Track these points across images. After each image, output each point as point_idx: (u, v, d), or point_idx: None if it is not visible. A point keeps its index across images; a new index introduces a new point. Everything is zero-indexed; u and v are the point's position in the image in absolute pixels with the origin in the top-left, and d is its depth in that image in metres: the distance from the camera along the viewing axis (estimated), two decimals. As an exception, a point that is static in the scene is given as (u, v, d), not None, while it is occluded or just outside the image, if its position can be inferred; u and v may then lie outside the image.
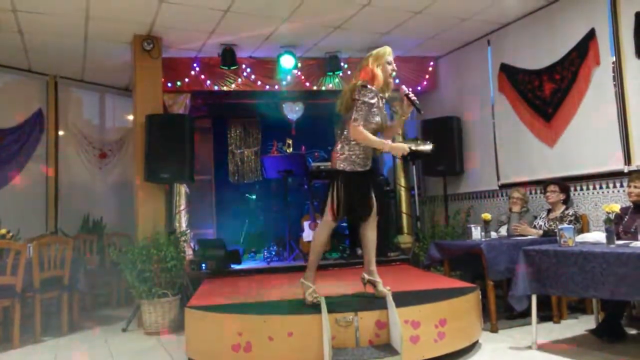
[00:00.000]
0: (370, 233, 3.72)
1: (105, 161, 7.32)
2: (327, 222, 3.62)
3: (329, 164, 6.66)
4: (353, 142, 3.58)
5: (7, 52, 5.90)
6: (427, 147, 3.54)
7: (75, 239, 6.08)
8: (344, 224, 6.45)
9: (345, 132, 3.65)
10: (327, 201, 3.60)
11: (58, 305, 5.07)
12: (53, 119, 6.75)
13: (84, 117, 7.25)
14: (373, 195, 3.71)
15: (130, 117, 6.95)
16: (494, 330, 4.23)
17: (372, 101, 3.54)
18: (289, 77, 6.41)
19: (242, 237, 7.33)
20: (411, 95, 3.62)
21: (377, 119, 3.58)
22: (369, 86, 3.54)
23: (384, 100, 3.69)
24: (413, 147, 3.52)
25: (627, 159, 4.50)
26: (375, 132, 3.57)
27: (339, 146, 3.62)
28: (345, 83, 6.41)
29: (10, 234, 5.16)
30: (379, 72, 3.59)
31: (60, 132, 6.86)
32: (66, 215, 6.71)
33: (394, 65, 3.68)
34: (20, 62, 6.26)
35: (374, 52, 3.69)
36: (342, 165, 3.58)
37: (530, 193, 5.50)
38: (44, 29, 5.25)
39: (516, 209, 5.17)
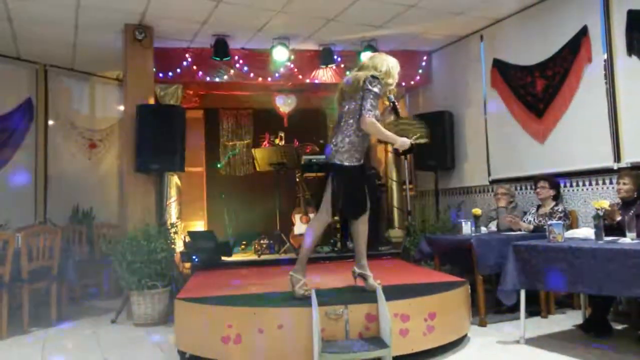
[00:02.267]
0: (361, 227, 3.72)
1: (95, 151, 7.26)
2: (323, 217, 3.61)
3: (321, 157, 6.66)
4: (353, 135, 3.54)
5: (-4, 39, 5.82)
6: (424, 140, 3.63)
7: (65, 230, 6.03)
8: (336, 217, 6.45)
9: (342, 124, 3.58)
10: (324, 195, 3.57)
11: (46, 295, 5.04)
12: (43, 108, 6.67)
13: (74, 107, 7.17)
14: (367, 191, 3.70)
15: (121, 107, 6.88)
16: (482, 324, 4.26)
17: (380, 94, 3.57)
18: (282, 69, 6.37)
19: (229, 228, 7.32)
20: (397, 104, 3.74)
21: (377, 113, 3.59)
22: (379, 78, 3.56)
23: (396, 103, 3.77)
24: (413, 142, 3.61)
25: (617, 156, 4.53)
26: None
27: (338, 138, 3.56)
28: (337, 76, 6.42)
29: (-1, 224, 5.12)
30: (390, 81, 3.64)
31: (50, 122, 6.78)
32: (55, 205, 6.65)
33: None
34: (9, 49, 6.17)
35: (393, 62, 3.68)
36: (340, 158, 3.55)
37: (520, 189, 5.54)
38: (34, 16, 5.17)
39: (502, 204, 5.21)
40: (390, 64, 3.64)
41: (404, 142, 3.55)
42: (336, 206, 3.54)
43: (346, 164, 3.55)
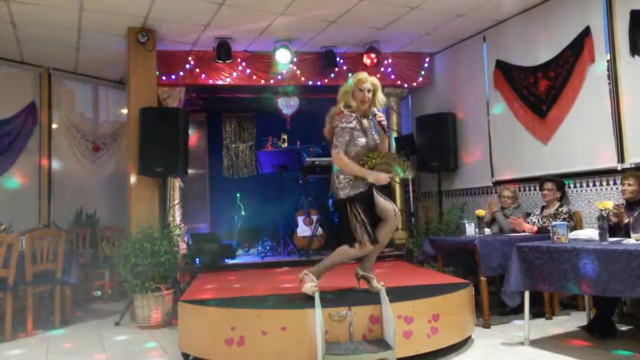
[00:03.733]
0: (384, 237, 3.68)
1: (99, 154, 7.27)
2: (362, 248, 3.55)
3: (324, 159, 6.68)
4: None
5: (0, 43, 5.84)
6: (409, 175, 3.58)
7: (68, 233, 6.06)
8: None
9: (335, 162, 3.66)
10: (350, 228, 3.53)
11: (50, 298, 5.05)
12: (46, 112, 6.70)
13: (77, 110, 7.19)
14: (386, 201, 3.69)
15: (124, 110, 6.90)
16: (486, 325, 4.25)
17: (351, 125, 3.53)
18: (284, 72, 6.38)
19: (236, 230, 7.32)
20: (378, 117, 3.60)
21: (363, 140, 3.57)
22: (346, 112, 3.56)
23: (369, 121, 3.66)
24: (395, 179, 3.55)
25: (621, 157, 4.52)
26: (364, 153, 3.57)
27: (334, 177, 3.62)
28: (340, 79, 6.41)
29: (3, 227, 5.13)
30: (350, 102, 3.60)
31: (54, 125, 6.81)
32: (59, 208, 6.67)
33: (367, 93, 3.59)
34: (13, 53, 6.20)
35: (345, 85, 3.71)
36: (344, 192, 3.55)
37: (524, 190, 5.52)
38: (37, 20, 5.19)
39: (506, 205, 5.20)
40: (340, 92, 3.65)
41: (377, 179, 3.47)
42: (368, 233, 3.51)
43: (351, 194, 3.54)
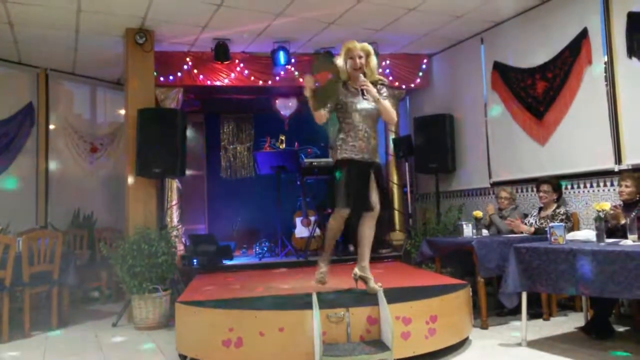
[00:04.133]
0: (367, 230, 3.73)
1: (96, 155, 7.26)
2: (335, 212, 3.69)
3: (321, 160, 6.68)
4: (341, 136, 3.70)
5: (-3, 43, 5.84)
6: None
7: (66, 234, 6.05)
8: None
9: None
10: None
11: (47, 299, 5.04)
12: (44, 113, 6.69)
13: (75, 111, 7.18)
14: (376, 191, 3.72)
15: (122, 111, 6.90)
16: (484, 326, 4.25)
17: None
18: (282, 73, 6.38)
19: (234, 231, 7.32)
20: (360, 82, 3.67)
21: (357, 107, 3.66)
22: None
23: (359, 88, 3.70)
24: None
25: (618, 158, 4.53)
26: (365, 117, 3.68)
27: (334, 145, 3.80)
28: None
29: (0, 228, 5.12)
30: (341, 74, 3.72)
31: (51, 126, 6.80)
32: (56, 209, 6.66)
33: (357, 59, 3.66)
34: (10, 54, 6.19)
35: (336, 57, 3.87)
36: (337, 156, 3.73)
37: (521, 191, 5.53)
38: (35, 20, 5.19)
39: (504, 207, 5.21)
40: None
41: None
42: (339, 198, 3.62)
43: (339, 157, 3.69)
